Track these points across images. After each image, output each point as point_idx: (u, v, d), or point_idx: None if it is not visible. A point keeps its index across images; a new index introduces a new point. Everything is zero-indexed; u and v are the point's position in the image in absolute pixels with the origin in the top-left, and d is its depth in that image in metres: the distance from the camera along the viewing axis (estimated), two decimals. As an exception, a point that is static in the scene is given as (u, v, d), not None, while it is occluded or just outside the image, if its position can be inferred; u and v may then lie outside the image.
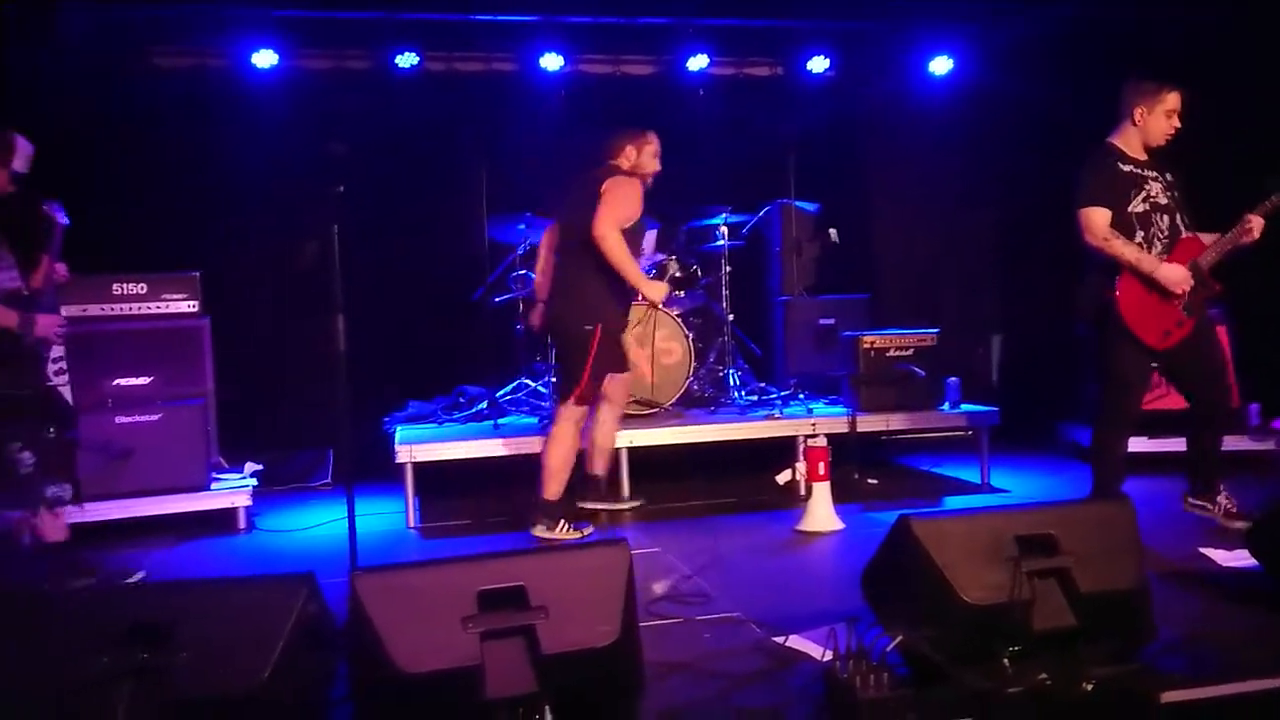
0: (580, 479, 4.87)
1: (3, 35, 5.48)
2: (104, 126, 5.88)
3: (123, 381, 5.24)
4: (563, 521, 4.51)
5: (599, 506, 5.02)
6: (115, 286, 5.33)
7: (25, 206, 3.89)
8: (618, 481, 5.28)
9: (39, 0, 5.54)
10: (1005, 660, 2.50)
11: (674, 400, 5.70)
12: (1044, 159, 7.32)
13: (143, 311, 5.41)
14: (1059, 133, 7.21)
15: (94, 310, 5.29)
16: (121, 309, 5.36)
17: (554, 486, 4.52)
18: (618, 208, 4.39)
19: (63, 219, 4.04)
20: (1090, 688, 2.46)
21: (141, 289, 5.40)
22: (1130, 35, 6.31)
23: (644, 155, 4.69)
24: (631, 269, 4.41)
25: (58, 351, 3.91)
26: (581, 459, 4.75)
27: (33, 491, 3.77)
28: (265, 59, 6.36)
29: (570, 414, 4.53)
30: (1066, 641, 2.52)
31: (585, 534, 4.56)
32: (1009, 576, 2.52)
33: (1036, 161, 7.34)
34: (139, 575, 4.11)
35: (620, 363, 4.73)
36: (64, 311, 5.08)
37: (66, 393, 3.92)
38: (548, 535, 4.47)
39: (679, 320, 5.75)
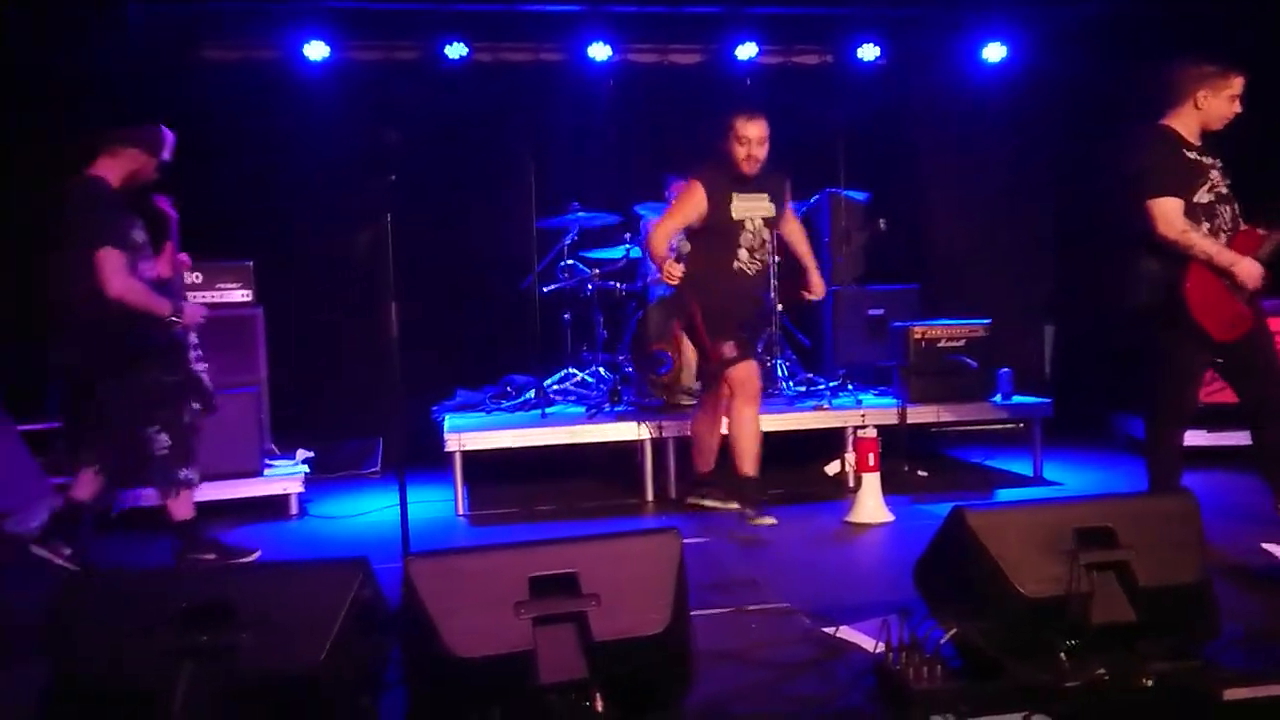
0: (699, 478, 4.98)
1: (76, 31, 5.59)
2: (158, 118, 5.95)
3: (179, 369, 5.32)
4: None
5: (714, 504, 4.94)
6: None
7: (144, 196, 4.02)
8: (650, 476, 5.28)
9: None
10: (1062, 654, 2.46)
11: (721, 390, 5.67)
12: (1098, 145, 7.17)
13: (198, 300, 5.48)
14: (1113, 119, 7.07)
15: (151, 299, 5.37)
16: (177, 298, 5.44)
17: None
18: (668, 213, 4.70)
19: (174, 213, 4.13)
20: (1150, 684, 2.41)
21: (197, 278, 5.48)
22: (1186, 18, 6.15)
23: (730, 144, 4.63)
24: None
25: (194, 338, 4.01)
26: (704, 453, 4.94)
27: (168, 473, 3.88)
28: (317, 51, 6.43)
29: (725, 385, 4.60)
30: (1125, 636, 2.47)
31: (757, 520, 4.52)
32: (1066, 569, 2.47)
33: (1090, 148, 7.19)
34: (255, 554, 4.23)
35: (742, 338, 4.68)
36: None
37: (206, 378, 4.03)
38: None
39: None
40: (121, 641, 2.15)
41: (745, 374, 4.55)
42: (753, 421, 4.56)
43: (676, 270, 4.38)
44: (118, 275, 3.64)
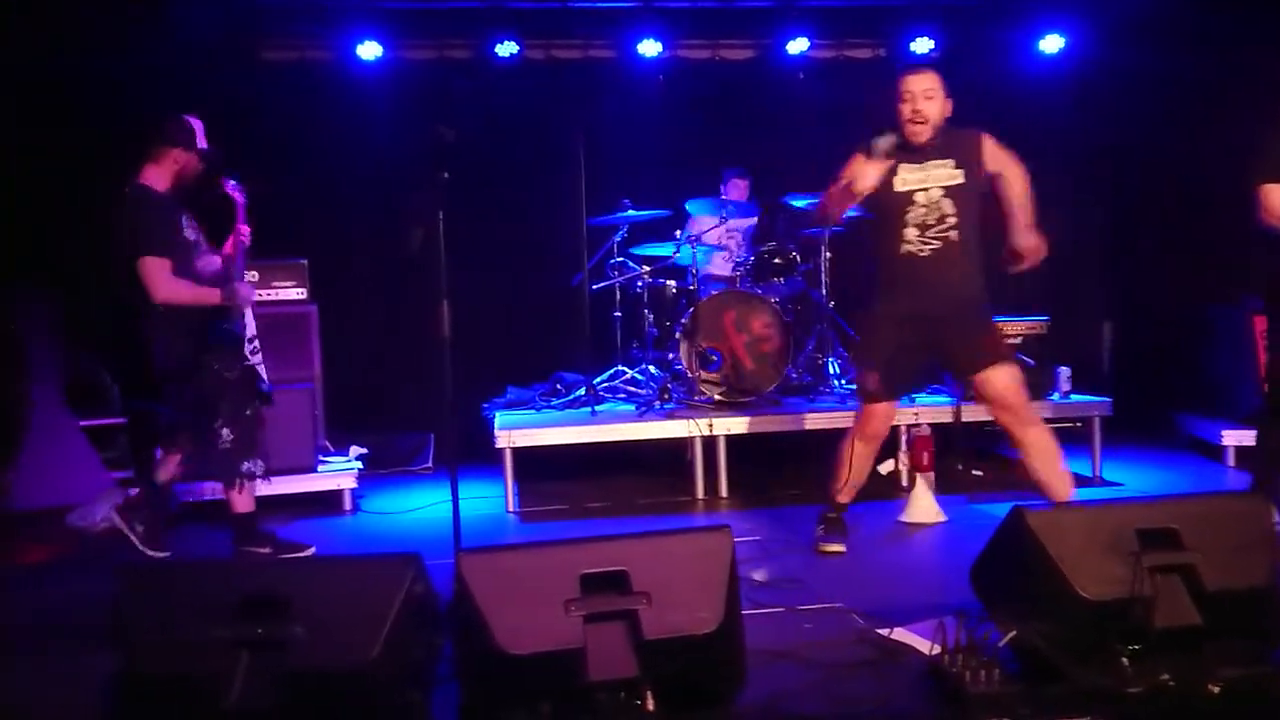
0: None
1: (138, 36, 5.70)
2: (215, 119, 6.05)
3: (236, 366, 5.41)
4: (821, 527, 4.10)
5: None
6: (229, 274, 5.48)
7: (208, 185, 4.09)
8: (701, 474, 5.25)
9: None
10: (1124, 659, 2.40)
11: (772, 388, 5.64)
12: (1160, 138, 7.04)
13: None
14: (1177, 111, 6.93)
15: (209, 297, 5.46)
16: (234, 296, 5.52)
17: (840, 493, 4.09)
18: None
19: (240, 196, 4.18)
20: (1216, 690, 2.35)
21: (253, 276, 5.54)
22: (1254, 9, 5.99)
23: (897, 106, 3.90)
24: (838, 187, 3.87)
25: (251, 330, 4.05)
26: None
27: (231, 465, 3.97)
28: (370, 50, 6.49)
29: (856, 417, 4.09)
30: (1191, 641, 2.41)
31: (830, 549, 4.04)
32: (1129, 571, 2.42)
33: (1152, 141, 7.05)
34: (309, 550, 4.29)
35: (896, 365, 3.91)
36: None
37: (262, 370, 4.08)
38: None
39: (777, 307, 5.68)
40: (181, 631, 2.19)
41: (879, 414, 3.96)
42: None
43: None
44: (160, 282, 3.76)
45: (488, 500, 5.26)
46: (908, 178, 3.84)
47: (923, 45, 6.94)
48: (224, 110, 6.14)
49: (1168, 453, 6.01)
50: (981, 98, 7.32)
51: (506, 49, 6.58)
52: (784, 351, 5.64)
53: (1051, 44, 6.97)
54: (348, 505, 5.22)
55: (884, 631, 3.02)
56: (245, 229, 4.16)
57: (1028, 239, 3.95)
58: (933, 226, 3.82)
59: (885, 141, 3.74)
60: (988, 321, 4.04)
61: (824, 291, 6.11)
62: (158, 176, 3.92)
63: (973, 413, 5.32)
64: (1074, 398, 5.51)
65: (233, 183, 4.16)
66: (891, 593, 3.49)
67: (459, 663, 2.35)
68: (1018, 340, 5.47)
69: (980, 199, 3.95)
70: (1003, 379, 3.79)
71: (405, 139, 6.54)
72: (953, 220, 3.83)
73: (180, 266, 3.84)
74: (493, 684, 2.26)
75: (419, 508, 5.19)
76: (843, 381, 5.98)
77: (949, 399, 5.42)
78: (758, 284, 5.95)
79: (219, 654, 2.15)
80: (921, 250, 3.82)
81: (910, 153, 3.83)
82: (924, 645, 2.82)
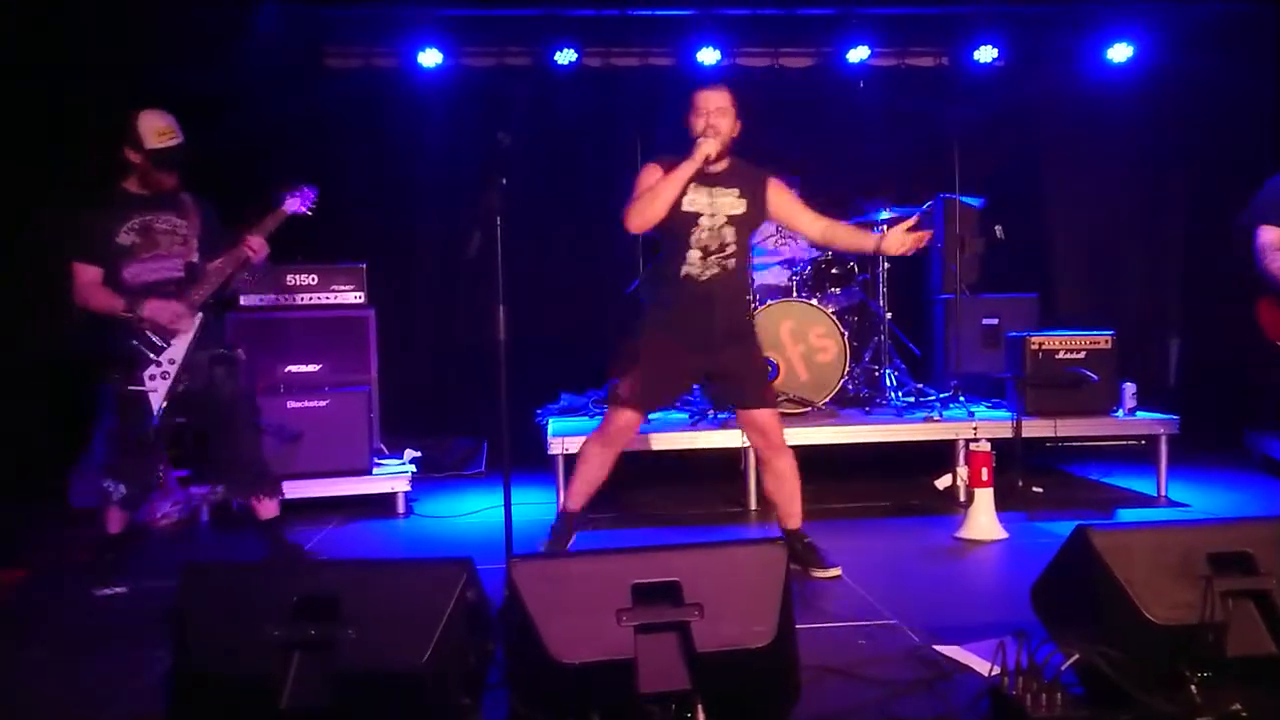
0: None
1: (209, 45, 5.82)
2: (279, 125, 6.17)
3: (294, 368, 5.49)
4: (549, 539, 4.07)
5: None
6: (289, 277, 5.56)
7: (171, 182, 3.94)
8: (754, 484, 5.20)
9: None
10: (1193, 687, 2.31)
11: (827, 399, 5.57)
12: (1234, 149, 6.85)
13: (313, 301, 5.64)
14: (1252, 120, 6.74)
15: (269, 300, 5.55)
16: (294, 299, 5.60)
17: (570, 498, 4.06)
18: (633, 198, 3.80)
19: (290, 205, 4.04)
20: (1293, 722, 2.26)
21: (312, 280, 5.63)
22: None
23: (690, 122, 3.84)
24: (662, 186, 3.69)
25: (176, 354, 3.84)
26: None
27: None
28: (431, 58, 6.56)
29: (603, 420, 3.98)
30: (1266, 670, 2.31)
31: None
32: (1200, 596, 2.33)
33: (1225, 151, 6.87)
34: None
35: (655, 380, 3.84)
36: (242, 301, 5.40)
37: (154, 399, 3.83)
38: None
39: (834, 318, 5.62)
40: (237, 630, 2.20)
41: (623, 423, 3.88)
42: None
43: None
44: (76, 287, 3.77)
45: (540, 506, 5.26)
46: (695, 199, 3.79)
47: (986, 53, 6.84)
48: (292, 117, 6.30)
49: (1237, 473, 5.83)
50: (1046, 107, 7.26)
51: (565, 57, 6.61)
52: (840, 362, 5.57)
53: (1120, 52, 6.82)
54: (401, 508, 5.25)
55: (941, 650, 2.96)
56: (255, 241, 3.92)
57: (873, 237, 4.07)
58: (715, 253, 3.79)
59: (708, 144, 3.71)
60: (760, 359, 4.10)
61: (882, 302, 6.03)
62: (130, 180, 3.88)
63: (1033, 428, 5.22)
64: (1139, 415, 5.37)
65: (294, 193, 4.05)
66: (949, 610, 3.42)
67: (509, 670, 2.34)
68: (1081, 355, 5.34)
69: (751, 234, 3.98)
70: (766, 417, 3.89)
71: (465, 145, 6.62)
72: (732, 249, 3.81)
73: (108, 272, 3.78)
74: (542, 693, 2.24)
75: (471, 512, 5.21)
76: (900, 394, 5.89)
77: (1009, 414, 5.31)
78: (815, 294, 5.90)
79: (273, 654, 2.16)
80: (702, 275, 3.79)
81: (700, 174, 3.77)
82: (982, 666, 2.75)
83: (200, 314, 3.89)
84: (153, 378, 3.79)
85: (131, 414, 3.80)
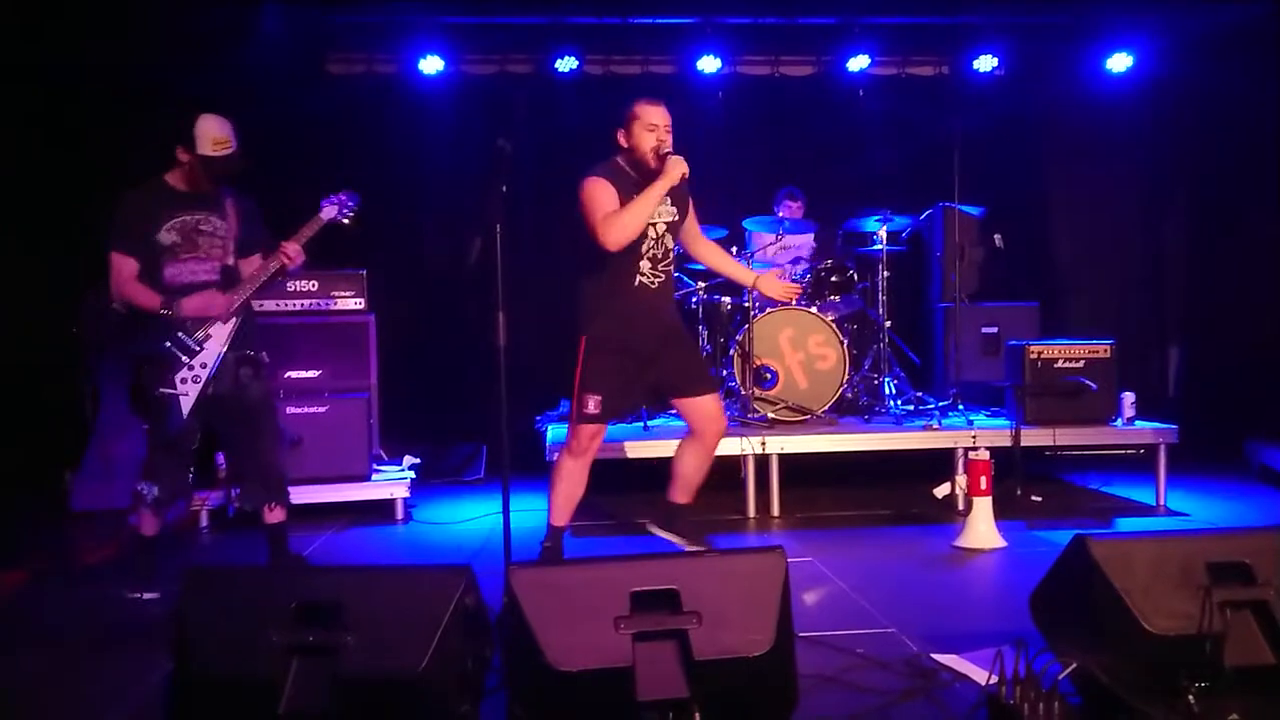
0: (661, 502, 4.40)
1: (211, 48, 5.83)
2: (281, 129, 6.18)
3: (294, 374, 5.50)
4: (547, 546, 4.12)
5: (662, 535, 4.37)
6: (289, 283, 5.57)
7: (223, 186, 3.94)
8: (753, 492, 5.20)
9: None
10: (1192, 697, 2.31)
11: (827, 407, 5.58)
12: (1234, 159, 6.87)
13: (313, 308, 5.65)
14: (1253, 130, 6.76)
15: (270, 305, 5.55)
16: (295, 305, 5.61)
17: (555, 514, 4.17)
18: (593, 212, 3.89)
19: (327, 213, 4.03)
20: (1290, 732, 2.26)
21: (313, 286, 5.64)
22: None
23: (634, 135, 3.97)
24: (640, 203, 3.80)
25: (209, 355, 3.83)
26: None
27: (279, 485, 3.98)
28: (432, 65, 6.57)
29: (570, 436, 4.04)
30: (1264, 680, 2.31)
31: None
32: (1198, 606, 2.33)
33: (1226, 161, 6.89)
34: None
35: (618, 391, 3.97)
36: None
37: (184, 402, 3.81)
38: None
39: (834, 325, 5.63)
40: (237, 635, 2.21)
41: (591, 434, 4.00)
42: (698, 457, 4.17)
43: None
44: (115, 280, 3.75)
45: (539, 513, 5.22)
46: (661, 211, 3.92)
47: (986, 63, 6.86)
48: (290, 122, 6.31)
49: (1236, 482, 5.83)
50: (1046, 116, 7.28)
51: (567, 64, 6.62)
52: (840, 370, 5.58)
53: (1119, 62, 6.84)
54: (400, 514, 5.25)
55: (939, 658, 2.96)
56: (291, 249, 3.90)
57: (743, 269, 4.45)
58: (661, 260, 3.97)
59: (680, 162, 3.85)
60: (697, 349, 4.36)
61: (881, 310, 6.04)
62: (175, 174, 3.85)
63: (1032, 437, 5.23)
64: (1138, 424, 5.38)
65: (333, 200, 4.04)
66: (947, 619, 3.42)
67: (507, 676, 2.34)
68: (1080, 364, 5.35)
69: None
70: (714, 403, 4.12)
71: (466, 151, 6.64)
72: (671, 254, 4.02)
73: (145, 268, 3.76)
74: (540, 699, 2.24)
75: (470, 518, 5.21)
76: (900, 402, 5.90)
77: (1008, 422, 5.32)
78: (814, 302, 5.90)
79: (273, 659, 2.16)
80: (653, 283, 3.95)
81: (637, 187, 3.86)
82: (980, 674, 2.76)
83: (235, 318, 3.89)
84: (184, 381, 3.78)
85: (161, 416, 3.79)
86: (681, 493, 4.26)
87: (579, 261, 4.02)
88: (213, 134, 3.78)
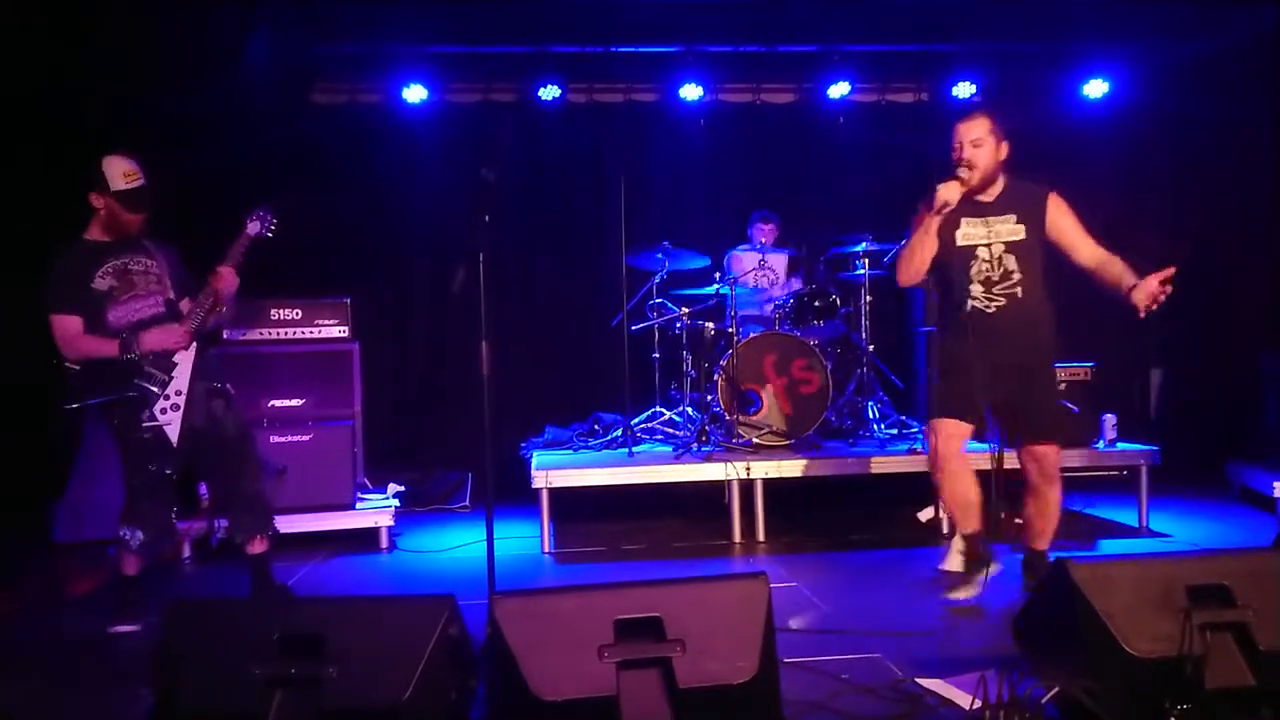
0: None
1: (196, 77, 5.83)
2: (265, 159, 6.20)
3: (278, 402, 5.47)
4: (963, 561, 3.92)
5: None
6: (273, 311, 5.56)
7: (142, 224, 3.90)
8: (738, 517, 5.21)
9: (233, 34, 5.88)
10: (1173, 719, 2.33)
11: (811, 431, 5.60)
12: (1211, 184, 6.96)
13: (297, 336, 5.64)
14: (1225, 156, 6.85)
15: (253, 334, 5.54)
16: (278, 333, 5.60)
17: (960, 522, 3.99)
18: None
19: (251, 229, 3.99)
20: (1271, 754, 2.27)
21: (296, 314, 5.63)
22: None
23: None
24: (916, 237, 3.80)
25: (180, 383, 3.82)
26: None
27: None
28: (416, 94, 6.60)
29: (933, 430, 3.97)
30: (1244, 702, 2.33)
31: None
32: (1179, 629, 2.35)
33: (1203, 186, 6.98)
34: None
35: (959, 402, 3.88)
36: (225, 335, 5.39)
37: (171, 431, 3.79)
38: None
39: (817, 350, 5.66)
40: (221, 667, 2.20)
41: (942, 446, 3.93)
42: (1040, 497, 4.03)
43: None
44: (62, 340, 3.72)
45: (524, 540, 5.25)
46: (970, 232, 3.83)
47: (964, 90, 6.94)
48: (274, 150, 6.33)
49: (1217, 504, 5.87)
50: (1025, 142, 7.32)
51: (550, 92, 6.66)
52: (824, 395, 5.60)
53: (1095, 88, 6.93)
54: (384, 543, 5.23)
55: (923, 683, 2.96)
56: (225, 271, 3.88)
57: (1138, 293, 3.96)
58: (999, 283, 3.81)
59: (947, 190, 3.72)
60: (1052, 390, 4.13)
61: (864, 335, 6.08)
62: (94, 228, 3.86)
63: (1014, 460, 5.24)
64: (1120, 446, 5.41)
65: (254, 216, 4.00)
66: (931, 643, 3.43)
67: (491, 707, 2.34)
68: (1061, 387, 5.38)
69: (1046, 253, 3.94)
70: (1048, 451, 3.94)
71: (450, 179, 6.67)
72: (1017, 276, 3.82)
73: (89, 319, 3.75)
74: (525, 729, 2.23)
75: (455, 547, 5.19)
76: (883, 425, 5.92)
77: (988, 445, 5.34)
78: (798, 327, 5.94)
79: (256, 692, 2.15)
80: (988, 307, 3.80)
81: (972, 206, 3.82)
82: (964, 699, 2.76)
83: (195, 345, 3.87)
84: (164, 411, 3.76)
85: (148, 455, 3.76)
86: (1034, 538, 4.10)
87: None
88: (121, 168, 3.82)
